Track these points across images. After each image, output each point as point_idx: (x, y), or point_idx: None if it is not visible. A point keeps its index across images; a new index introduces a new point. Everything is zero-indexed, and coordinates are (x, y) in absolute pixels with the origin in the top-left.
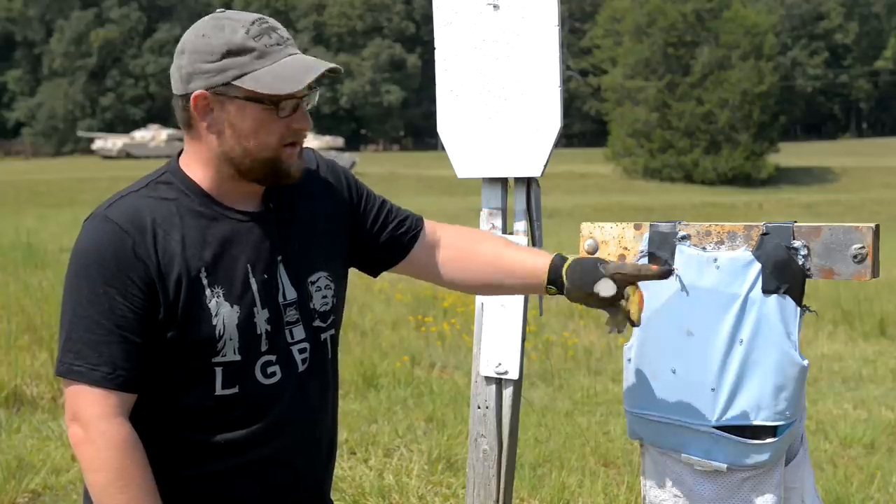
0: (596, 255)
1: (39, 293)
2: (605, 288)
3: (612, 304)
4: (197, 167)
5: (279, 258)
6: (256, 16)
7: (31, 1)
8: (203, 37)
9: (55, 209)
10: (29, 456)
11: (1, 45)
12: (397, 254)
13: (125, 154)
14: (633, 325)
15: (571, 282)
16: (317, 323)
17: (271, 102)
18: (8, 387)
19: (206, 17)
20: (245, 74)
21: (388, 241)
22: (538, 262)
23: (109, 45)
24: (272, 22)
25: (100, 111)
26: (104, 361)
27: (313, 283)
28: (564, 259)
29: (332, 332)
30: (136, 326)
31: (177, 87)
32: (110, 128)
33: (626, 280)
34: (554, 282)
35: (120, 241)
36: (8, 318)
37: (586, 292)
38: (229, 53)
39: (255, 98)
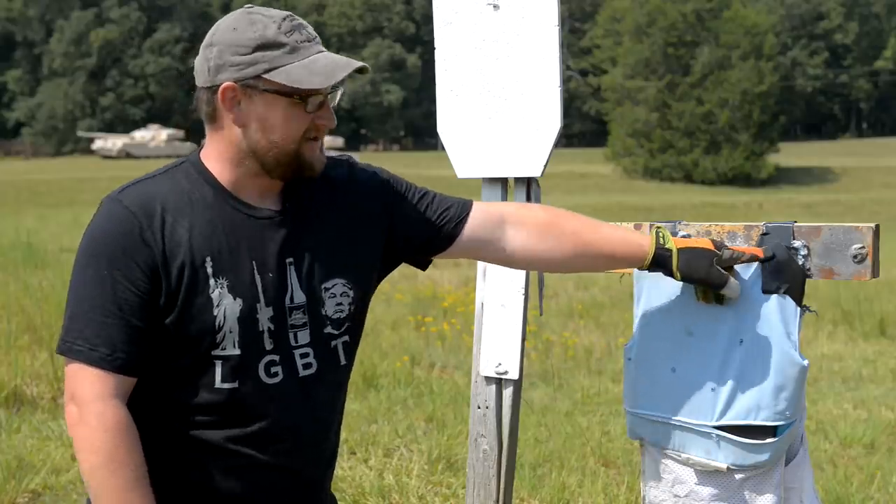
0: (696, 245)
1: (39, 293)
2: (733, 290)
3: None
4: (217, 161)
5: (289, 260)
6: (286, 13)
7: (31, 1)
8: (234, 30)
9: (55, 209)
10: (29, 456)
11: (1, 45)
12: (443, 242)
13: (125, 154)
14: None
15: (688, 276)
16: (328, 329)
17: (300, 97)
18: (8, 387)
19: (236, 13)
20: (276, 68)
21: (432, 233)
22: (637, 245)
23: (109, 45)
24: (300, 19)
25: (100, 111)
26: (104, 342)
27: (328, 289)
28: (669, 251)
29: (346, 338)
30: (138, 310)
31: (203, 80)
32: (110, 128)
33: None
34: (657, 267)
35: (128, 225)
36: (8, 318)
37: (712, 291)
38: (261, 47)
39: (284, 92)
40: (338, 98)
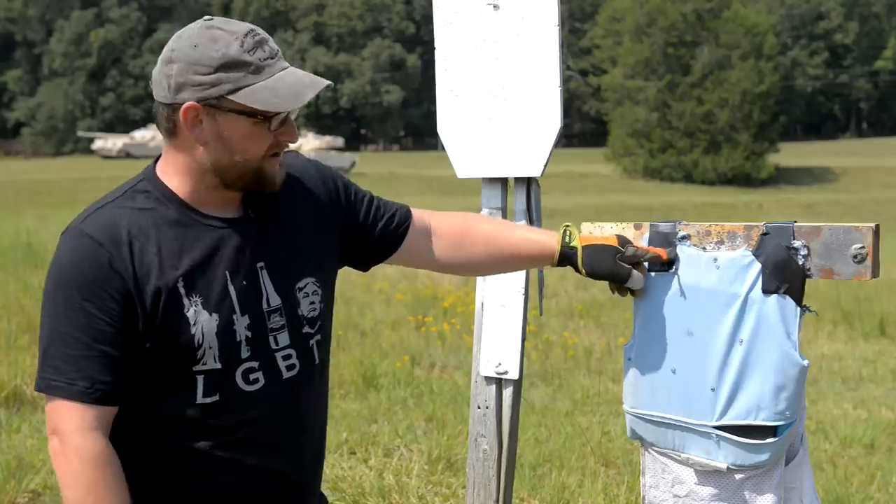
0: (600, 242)
1: (39, 293)
2: (637, 282)
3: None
4: (175, 176)
5: (260, 265)
6: (248, 27)
7: (31, 1)
8: (195, 48)
9: (55, 209)
10: (29, 456)
11: (1, 45)
12: (390, 247)
13: (125, 154)
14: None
15: (593, 271)
16: (305, 329)
17: (264, 117)
18: (8, 387)
19: (196, 26)
20: (240, 89)
21: (380, 236)
22: (544, 243)
23: (109, 45)
24: (263, 34)
25: (100, 111)
26: (82, 376)
27: (301, 289)
28: (574, 249)
29: (319, 337)
30: (114, 340)
31: (162, 96)
32: (110, 128)
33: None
34: (566, 263)
35: (95, 255)
36: (8, 318)
37: (615, 284)
38: (224, 67)
39: (248, 112)
40: (296, 112)
